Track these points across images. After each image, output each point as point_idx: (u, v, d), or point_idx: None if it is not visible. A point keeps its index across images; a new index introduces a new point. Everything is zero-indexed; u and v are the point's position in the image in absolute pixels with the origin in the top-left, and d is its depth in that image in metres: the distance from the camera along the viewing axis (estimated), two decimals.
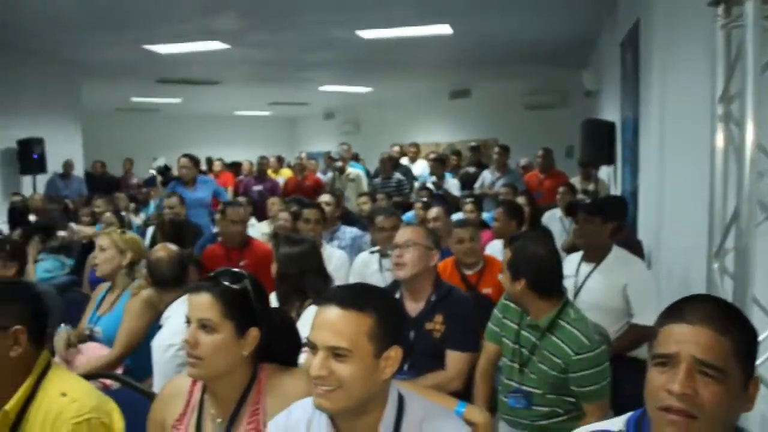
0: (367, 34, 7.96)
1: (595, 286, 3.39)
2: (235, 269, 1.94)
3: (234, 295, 1.82)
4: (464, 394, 2.77)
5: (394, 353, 1.56)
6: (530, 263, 2.55)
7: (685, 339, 1.33)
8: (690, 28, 3.45)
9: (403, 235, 2.94)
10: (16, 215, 6.72)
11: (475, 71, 11.56)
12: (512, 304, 2.73)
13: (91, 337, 3.46)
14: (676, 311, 1.39)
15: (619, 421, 1.52)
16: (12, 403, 1.83)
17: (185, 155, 7.08)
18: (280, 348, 1.94)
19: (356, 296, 1.56)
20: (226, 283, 1.84)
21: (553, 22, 7.62)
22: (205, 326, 1.78)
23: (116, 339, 3.31)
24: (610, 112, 7.19)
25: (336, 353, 1.50)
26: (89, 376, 2.74)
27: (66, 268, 5.53)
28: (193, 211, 6.34)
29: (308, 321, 2.67)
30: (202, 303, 1.80)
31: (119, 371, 3.23)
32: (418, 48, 9.02)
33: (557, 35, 8.38)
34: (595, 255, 3.51)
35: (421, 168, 10.36)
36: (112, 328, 3.36)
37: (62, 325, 3.34)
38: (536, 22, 7.64)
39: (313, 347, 1.53)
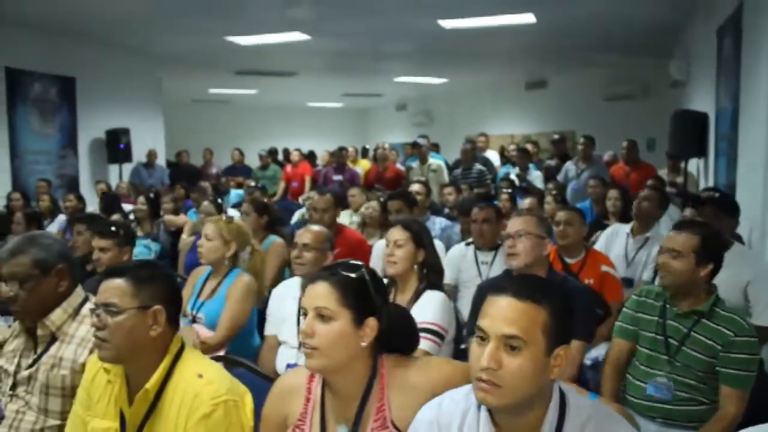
0: (448, 23, 7.86)
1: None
2: (352, 260, 1.89)
3: (351, 283, 1.77)
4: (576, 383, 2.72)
5: (564, 352, 1.49)
6: (720, 250, 2.55)
7: None
8: None
9: (515, 224, 2.90)
10: (107, 201, 6.91)
11: (553, 61, 11.36)
12: (649, 300, 2.68)
13: (194, 323, 3.48)
14: None
15: None
16: (152, 382, 1.87)
17: None
18: (398, 339, 1.87)
19: (533, 288, 1.50)
20: (343, 272, 1.80)
21: (641, 9, 7.40)
22: (322, 315, 1.73)
23: (219, 323, 3.34)
24: (702, 102, 6.92)
25: (509, 344, 1.45)
26: None
27: (152, 253, 5.68)
28: None
29: (424, 305, 2.73)
30: (318, 292, 1.75)
31: None
32: (498, 37, 8.88)
33: (644, 23, 8.12)
34: None
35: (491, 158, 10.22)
36: (215, 314, 3.39)
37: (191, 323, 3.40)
38: (623, 9, 7.42)
39: (484, 337, 1.48)
